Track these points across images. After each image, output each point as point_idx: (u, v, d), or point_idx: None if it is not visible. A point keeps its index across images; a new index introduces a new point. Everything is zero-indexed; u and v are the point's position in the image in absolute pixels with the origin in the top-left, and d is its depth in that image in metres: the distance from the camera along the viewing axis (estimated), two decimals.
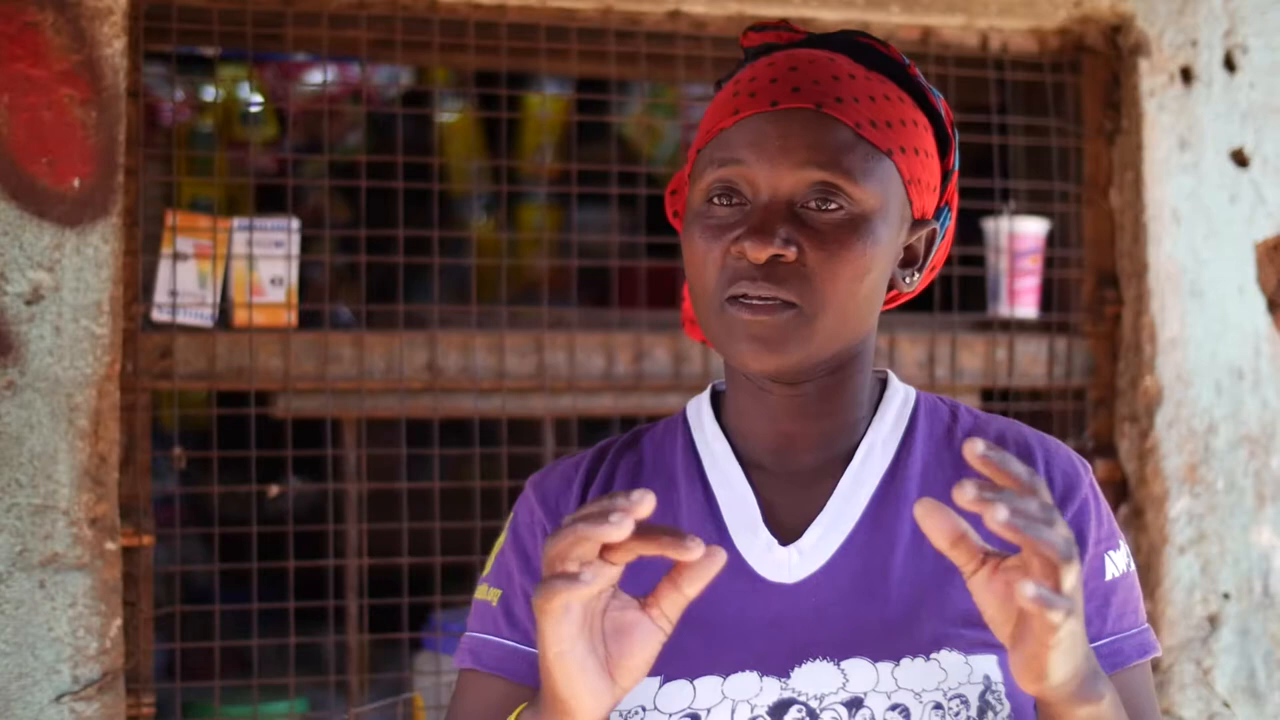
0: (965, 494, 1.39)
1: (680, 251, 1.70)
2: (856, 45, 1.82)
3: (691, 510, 1.79)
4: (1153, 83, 3.43)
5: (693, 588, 1.49)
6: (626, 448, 1.88)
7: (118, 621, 2.84)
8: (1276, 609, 3.47)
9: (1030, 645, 1.46)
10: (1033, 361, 3.46)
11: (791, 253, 1.69)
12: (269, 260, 3.04)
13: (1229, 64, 3.48)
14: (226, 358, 3.01)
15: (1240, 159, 3.47)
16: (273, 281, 3.04)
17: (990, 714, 1.70)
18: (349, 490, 3.19)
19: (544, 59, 3.22)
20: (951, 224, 1.87)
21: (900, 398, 1.85)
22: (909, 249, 1.82)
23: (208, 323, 2.99)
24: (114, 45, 2.85)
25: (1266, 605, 3.46)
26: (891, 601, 1.71)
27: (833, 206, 1.71)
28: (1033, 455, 1.80)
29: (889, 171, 1.75)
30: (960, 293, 3.40)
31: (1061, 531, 1.43)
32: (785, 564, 1.74)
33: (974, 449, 1.42)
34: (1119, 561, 1.78)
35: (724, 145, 1.75)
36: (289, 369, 3.04)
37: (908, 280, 1.82)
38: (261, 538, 3.06)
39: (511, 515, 1.88)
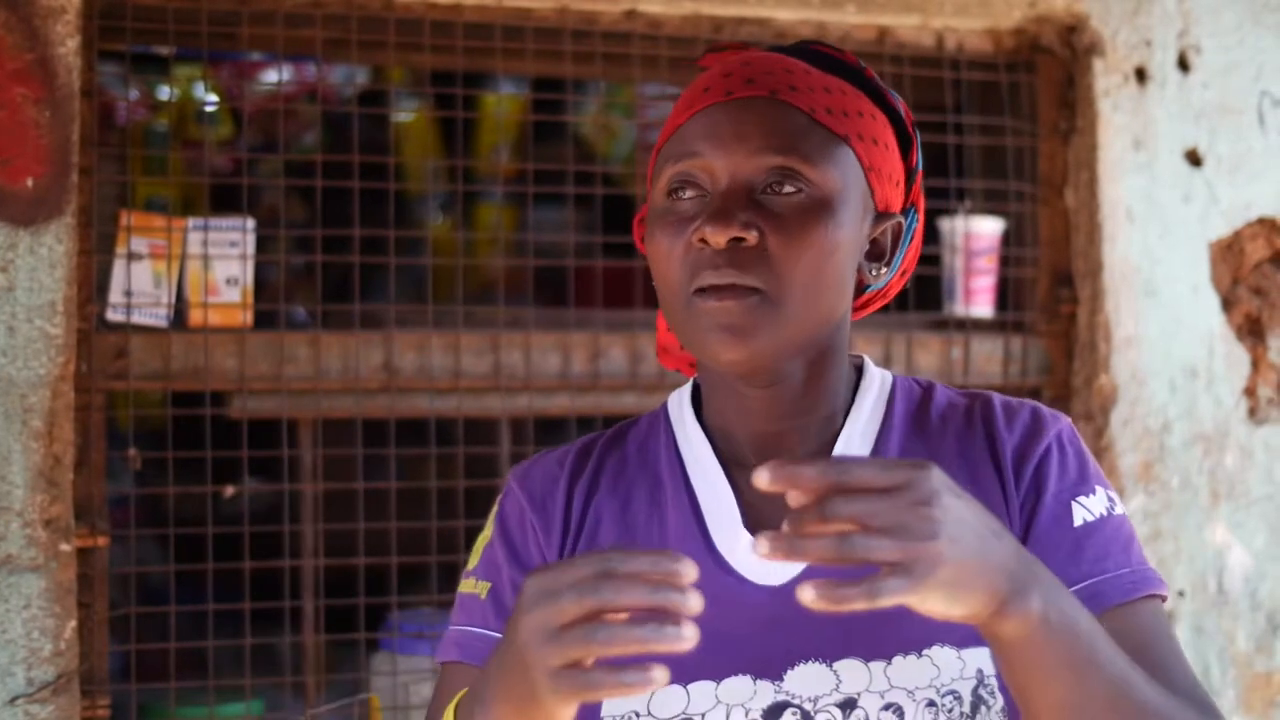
0: (760, 549, 1.36)
1: (635, 253, 1.68)
2: (811, 52, 1.82)
3: (678, 511, 1.77)
4: (1107, 83, 3.44)
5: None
6: (612, 445, 1.84)
7: (72, 623, 2.82)
8: (1230, 606, 3.49)
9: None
10: (988, 360, 3.47)
11: (752, 236, 1.67)
12: (224, 260, 3.03)
13: (1183, 64, 3.50)
14: (182, 358, 2.99)
15: (1194, 159, 3.49)
16: (228, 281, 3.03)
17: (983, 708, 1.68)
18: (305, 491, 3.18)
19: (500, 58, 3.22)
20: (919, 225, 1.85)
21: (876, 385, 1.82)
22: (875, 242, 1.79)
23: (163, 323, 2.98)
24: (68, 44, 2.83)
25: (1221, 603, 3.48)
26: None
27: (791, 190, 1.70)
28: (994, 419, 1.77)
29: (847, 157, 1.73)
30: (916, 292, 3.40)
31: (868, 508, 1.37)
32: (769, 565, 1.70)
33: (760, 481, 1.37)
34: (1093, 507, 1.73)
35: (680, 140, 1.74)
36: (244, 369, 3.03)
37: (874, 273, 1.79)
38: (217, 538, 3.05)
39: (497, 509, 1.84)
